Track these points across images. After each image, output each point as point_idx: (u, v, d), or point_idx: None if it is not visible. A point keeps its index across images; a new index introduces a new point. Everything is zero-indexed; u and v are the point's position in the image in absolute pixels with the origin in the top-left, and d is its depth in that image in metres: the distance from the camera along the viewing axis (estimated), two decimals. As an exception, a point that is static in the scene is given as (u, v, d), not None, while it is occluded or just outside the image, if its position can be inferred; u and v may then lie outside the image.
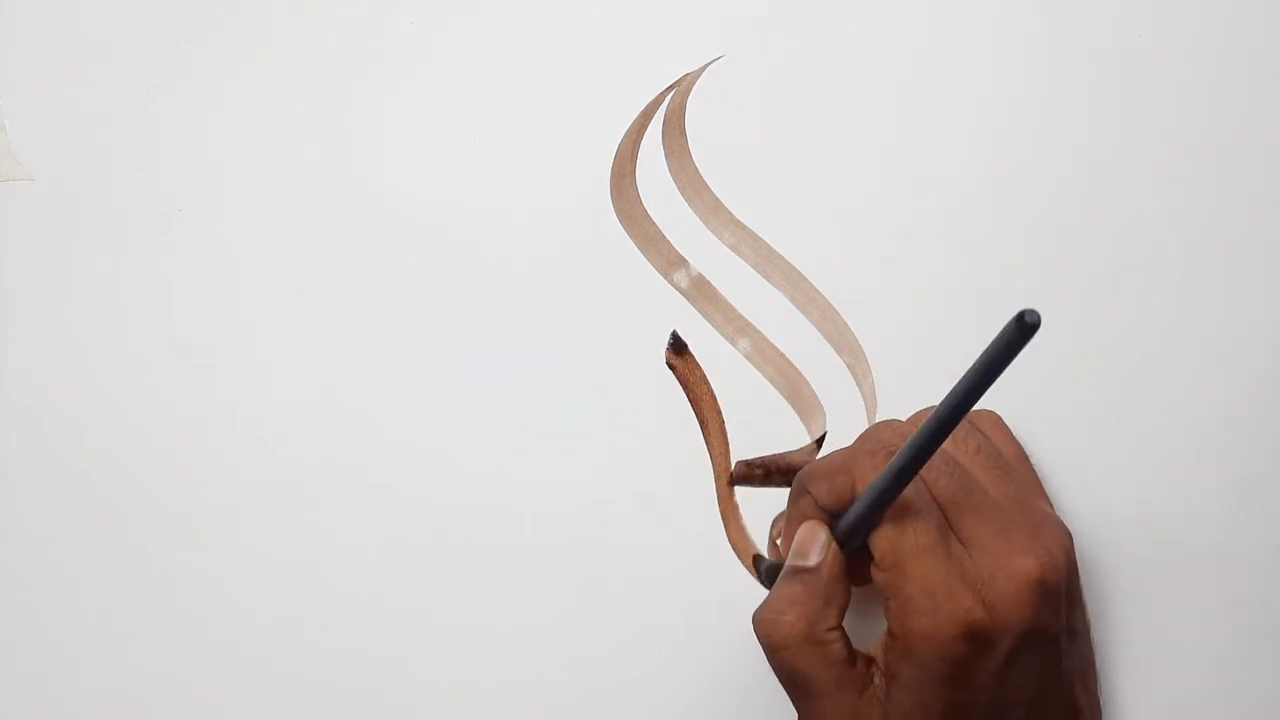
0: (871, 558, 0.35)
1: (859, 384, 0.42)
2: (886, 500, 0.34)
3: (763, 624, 0.35)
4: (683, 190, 0.42)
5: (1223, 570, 0.41)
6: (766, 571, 0.39)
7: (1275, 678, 0.41)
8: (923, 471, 0.34)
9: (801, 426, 0.42)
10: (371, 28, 0.43)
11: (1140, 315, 0.42)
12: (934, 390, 0.41)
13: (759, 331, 0.42)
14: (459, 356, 0.42)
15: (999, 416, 0.39)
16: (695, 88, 0.43)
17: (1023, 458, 0.39)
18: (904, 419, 0.38)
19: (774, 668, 0.35)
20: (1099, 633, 0.40)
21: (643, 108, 0.42)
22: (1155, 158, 0.42)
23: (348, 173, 0.42)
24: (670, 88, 0.43)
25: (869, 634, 0.36)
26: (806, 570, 0.35)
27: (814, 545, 0.35)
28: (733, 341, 0.42)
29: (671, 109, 0.42)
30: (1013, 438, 0.39)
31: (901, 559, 0.33)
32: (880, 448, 0.35)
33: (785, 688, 0.35)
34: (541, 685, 0.41)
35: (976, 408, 0.35)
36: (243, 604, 0.41)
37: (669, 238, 0.42)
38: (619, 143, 0.42)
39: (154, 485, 0.41)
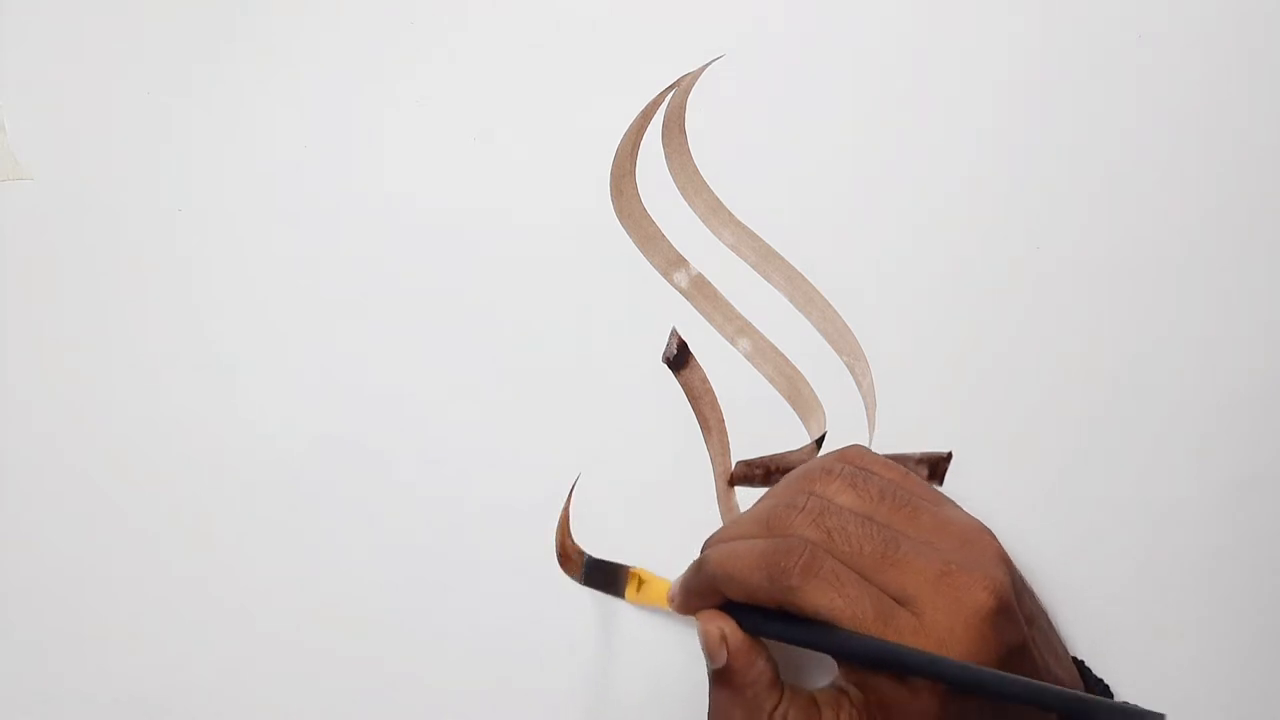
0: None
1: (858, 384, 0.42)
2: (826, 650, 0.33)
3: None
4: (683, 190, 0.42)
5: (1223, 570, 0.41)
6: (589, 564, 0.41)
7: (1276, 677, 0.41)
8: (842, 542, 0.33)
9: (801, 426, 0.42)
10: (372, 28, 0.43)
11: (1140, 315, 0.42)
12: (933, 390, 0.41)
13: (759, 331, 0.42)
14: (459, 355, 0.42)
15: (864, 447, 0.38)
16: (695, 88, 0.43)
17: (906, 473, 0.37)
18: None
19: None
20: (1097, 633, 0.40)
21: (643, 108, 0.42)
22: (1155, 158, 0.42)
23: (348, 173, 0.42)
24: (670, 88, 0.43)
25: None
26: (719, 671, 0.35)
27: (712, 643, 0.35)
28: (733, 341, 0.42)
29: (671, 109, 0.42)
30: (888, 461, 0.37)
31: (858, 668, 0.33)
32: (803, 551, 0.33)
33: None
34: (542, 682, 0.41)
35: (842, 445, 0.37)
36: (245, 602, 0.41)
37: (669, 237, 0.42)
38: (619, 143, 0.42)
39: (155, 483, 0.41)
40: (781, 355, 0.42)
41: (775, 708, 0.34)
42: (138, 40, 0.43)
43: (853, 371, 0.42)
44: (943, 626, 0.32)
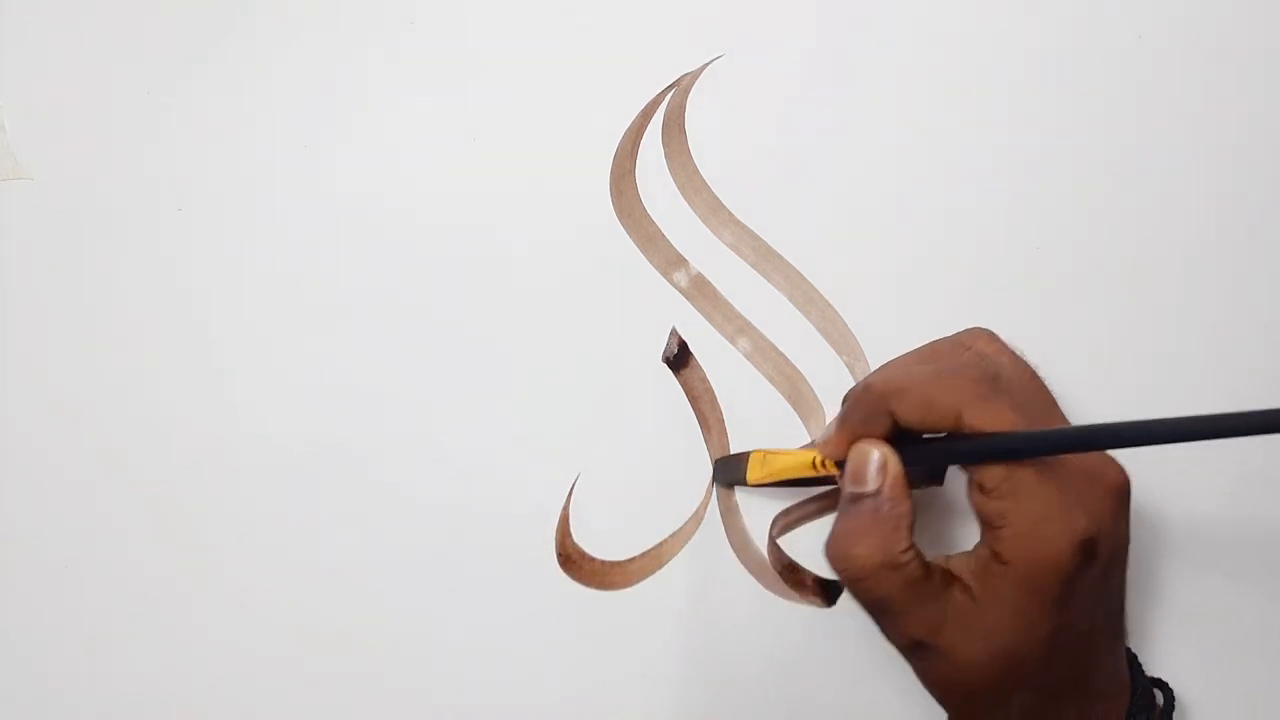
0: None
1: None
2: (1007, 457, 0.33)
3: (838, 559, 0.35)
4: (682, 190, 0.42)
5: (1223, 570, 0.41)
6: (718, 466, 0.41)
7: (1275, 677, 0.41)
8: (1013, 394, 0.34)
9: (801, 426, 0.42)
10: (372, 28, 0.43)
11: (1141, 315, 0.42)
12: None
13: (759, 331, 0.42)
14: (458, 356, 0.42)
15: None
16: (695, 88, 0.43)
17: None
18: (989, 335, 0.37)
19: (853, 594, 0.35)
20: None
21: (643, 108, 0.42)
22: (1156, 159, 0.42)
23: (348, 171, 0.42)
24: (670, 88, 0.43)
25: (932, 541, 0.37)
26: (867, 496, 0.34)
27: (871, 467, 0.34)
28: (732, 341, 0.42)
29: (671, 109, 0.42)
30: None
31: (1019, 487, 0.33)
32: (982, 376, 0.34)
33: (864, 609, 0.35)
34: (542, 682, 0.41)
35: (982, 325, 0.37)
36: (241, 604, 0.41)
37: (669, 237, 0.42)
38: (619, 143, 0.42)
39: (154, 484, 0.41)
40: (781, 355, 0.42)
41: (905, 550, 0.34)
42: (137, 40, 0.43)
43: (853, 371, 0.42)
44: (1082, 486, 0.33)
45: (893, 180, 0.42)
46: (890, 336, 0.41)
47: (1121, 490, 0.33)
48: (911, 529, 0.34)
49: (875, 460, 0.34)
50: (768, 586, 0.41)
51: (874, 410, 0.35)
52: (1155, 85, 0.42)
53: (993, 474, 0.33)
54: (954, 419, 0.33)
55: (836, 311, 0.42)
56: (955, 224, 0.42)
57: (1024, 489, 0.33)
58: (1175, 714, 0.38)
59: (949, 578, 0.34)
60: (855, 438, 0.35)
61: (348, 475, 0.41)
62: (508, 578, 0.41)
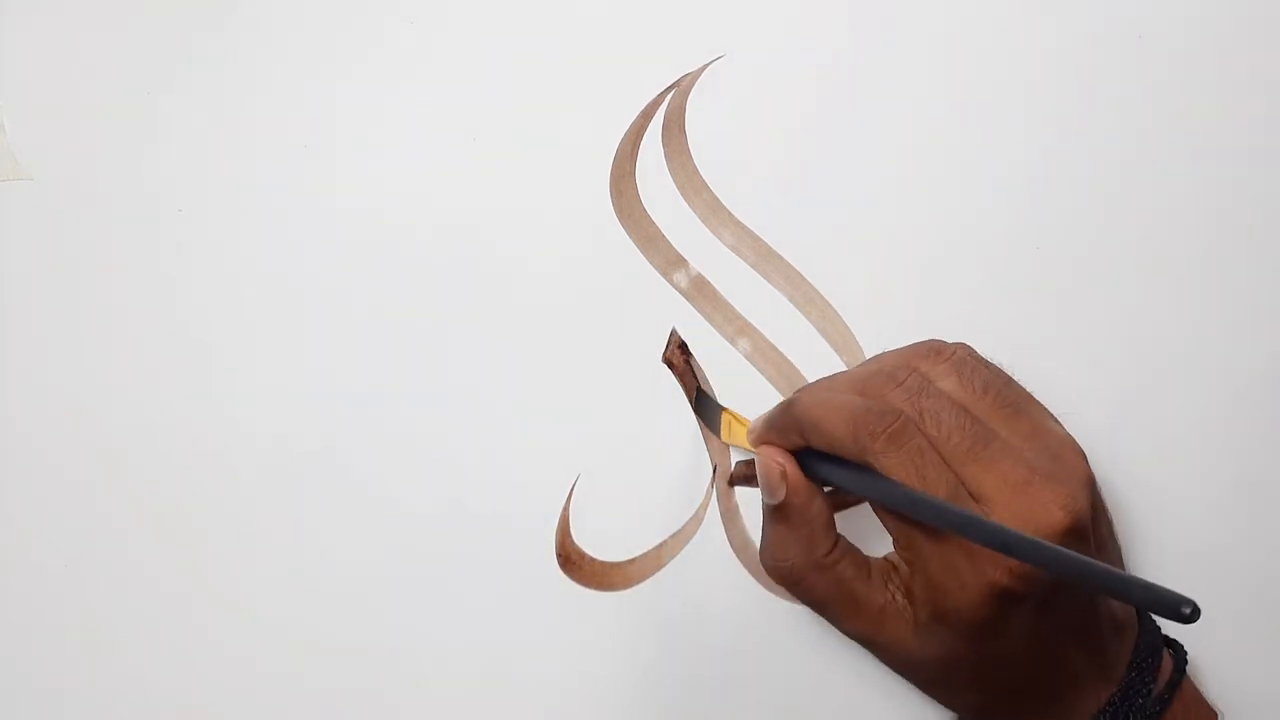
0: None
1: (859, 384, 0.42)
2: (887, 508, 0.33)
3: (769, 569, 0.36)
4: (682, 190, 0.42)
5: (1223, 570, 0.41)
6: (700, 401, 0.41)
7: (1276, 678, 0.41)
8: (931, 426, 0.33)
9: (801, 426, 0.42)
10: (371, 28, 0.43)
11: (1142, 317, 0.42)
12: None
13: (759, 331, 0.42)
14: (458, 357, 0.42)
15: (971, 347, 0.36)
16: (695, 88, 0.42)
17: (1011, 379, 0.36)
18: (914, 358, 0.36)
19: (799, 599, 0.36)
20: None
21: (643, 108, 0.42)
22: (1156, 158, 0.42)
23: (347, 172, 0.42)
24: (670, 88, 0.42)
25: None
26: (777, 507, 0.36)
27: (774, 478, 0.35)
28: (733, 341, 0.42)
29: (671, 109, 0.42)
30: (993, 364, 0.36)
31: (917, 542, 0.33)
32: (892, 423, 0.33)
33: (810, 608, 0.36)
34: (543, 684, 0.41)
35: (950, 339, 0.36)
36: (238, 606, 0.41)
37: (669, 237, 0.42)
38: (619, 143, 0.42)
39: (154, 484, 0.41)
40: (781, 355, 0.42)
41: (830, 551, 0.35)
42: (137, 41, 0.43)
43: (853, 372, 0.41)
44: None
45: (893, 180, 0.42)
46: (890, 336, 0.41)
47: (1055, 533, 0.32)
48: (830, 531, 0.35)
49: (774, 472, 0.35)
50: (768, 587, 0.41)
51: (791, 429, 0.35)
52: (1155, 85, 0.42)
53: (890, 524, 0.34)
54: (860, 461, 0.33)
55: (836, 311, 0.42)
56: (955, 224, 0.42)
57: (923, 544, 0.33)
58: (1189, 669, 0.37)
59: (889, 574, 0.35)
60: (774, 441, 0.36)
61: (347, 476, 0.41)
62: (508, 579, 0.41)
